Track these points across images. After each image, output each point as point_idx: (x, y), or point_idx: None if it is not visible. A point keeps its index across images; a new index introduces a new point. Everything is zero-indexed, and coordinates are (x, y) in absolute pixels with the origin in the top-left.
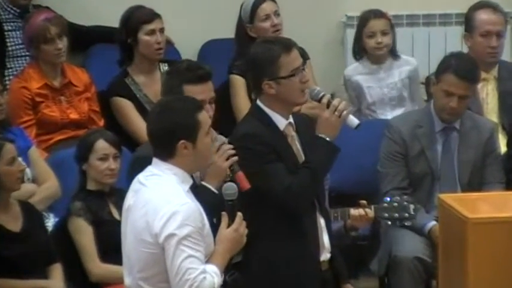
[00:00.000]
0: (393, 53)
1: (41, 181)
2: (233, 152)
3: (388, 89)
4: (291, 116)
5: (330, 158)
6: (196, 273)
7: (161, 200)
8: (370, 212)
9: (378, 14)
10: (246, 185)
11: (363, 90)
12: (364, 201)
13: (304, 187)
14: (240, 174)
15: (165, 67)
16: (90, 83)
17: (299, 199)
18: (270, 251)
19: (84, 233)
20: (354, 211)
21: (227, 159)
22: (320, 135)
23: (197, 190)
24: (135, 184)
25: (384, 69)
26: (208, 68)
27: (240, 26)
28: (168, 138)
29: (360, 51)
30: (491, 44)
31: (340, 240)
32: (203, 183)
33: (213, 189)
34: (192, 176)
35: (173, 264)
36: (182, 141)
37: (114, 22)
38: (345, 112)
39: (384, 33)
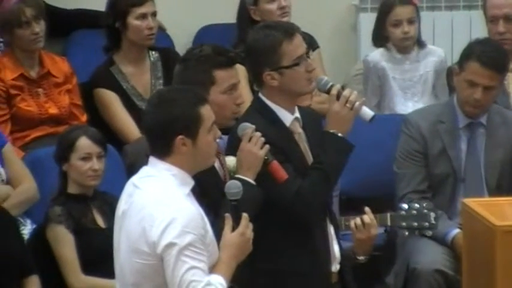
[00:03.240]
0: (419, 42)
1: (16, 183)
2: (264, 139)
3: (412, 82)
4: (297, 110)
5: (343, 156)
6: (201, 287)
7: (158, 204)
8: (371, 222)
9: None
10: (283, 175)
11: (389, 80)
12: (367, 208)
13: (315, 191)
14: (275, 164)
15: (155, 55)
16: (71, 73)
17: (310, 204)
18: (275, 262)
19: (64, 242)
20: (352, 224)
21: (261, 147)
22: (331, 131)
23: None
24: (129, 187)
25: (410, 60)
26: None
27: (243, 9)
28: (165, 133)
29: (380, 40)
30: (498, 30)
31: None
32: (238, 175)
33: (251, 181)
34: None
35: (174, 277)
36: (180, 136)
37: (98, 5)
38: (357, 103)
39: (410, 22)
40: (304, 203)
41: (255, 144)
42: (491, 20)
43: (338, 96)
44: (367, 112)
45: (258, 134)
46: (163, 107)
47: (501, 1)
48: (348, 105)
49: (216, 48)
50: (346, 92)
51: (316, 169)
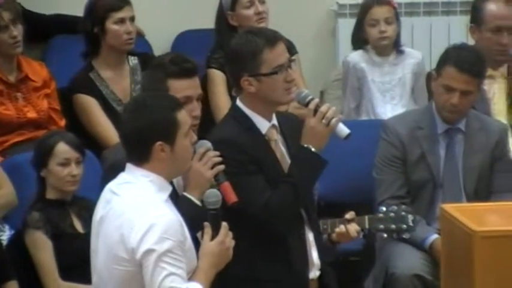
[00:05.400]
0: (396, 46)
1: None
2: (219, 159)
3: (390, 85)
4: (274, 117)
5: (315, 172)
6: None
7: (137, 211)
8: (353, 230)
9: (381, 0)
10: (233, 197)
11: (367, 82)
12: (352, 213)
13: (284, 204)
14: (226, 185)
15: (134, 61)
16: (50, 78)
17: (278, 217)
18: (248, 270)
19: (42, 248)
20: (338, 229)
21: (212, 167)
22: (305, 145)
23: (178, 201)
24: (106, 193)
25: (388, 63)
26: (195, 62)
27: (221, 14)
28: (144, 140)
29: (359, 42)
30: (501, 41)
31: (326, 257)
32: (185, 193)
33: (195, 200)
34: (172, 184)
35: (152, 283)
36: (159, 142)
37: (77, 10)
38: (334, 120)
39: (387, 22)
40: (271, 216)
41: (204, 164)
42: (493, 30)
43: (315, 111)
44: (343, 129)
45: (212, 153)
46: (140, 113)
47: (508, 12)
48: (324, 121)
49: (175, 57)
50: (323, 108)
51: (286, 183)
